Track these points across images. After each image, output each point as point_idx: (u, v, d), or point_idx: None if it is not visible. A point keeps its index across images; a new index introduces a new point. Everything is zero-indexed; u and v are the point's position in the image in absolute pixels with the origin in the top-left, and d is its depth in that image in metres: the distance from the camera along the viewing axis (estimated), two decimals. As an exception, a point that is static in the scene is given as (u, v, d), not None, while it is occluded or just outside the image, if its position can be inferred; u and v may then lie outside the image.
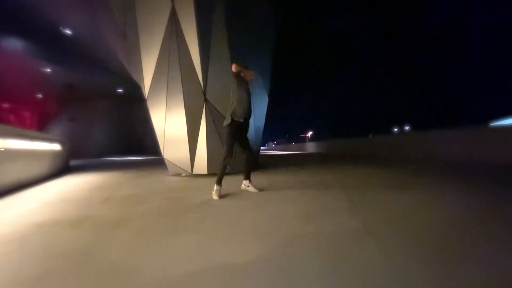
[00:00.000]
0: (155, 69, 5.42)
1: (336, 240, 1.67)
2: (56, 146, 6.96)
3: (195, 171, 5.49)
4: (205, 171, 5.38)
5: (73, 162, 13.32)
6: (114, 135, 23.39)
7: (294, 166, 7.65)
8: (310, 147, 27.30)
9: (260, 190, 3.35)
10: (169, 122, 5.63)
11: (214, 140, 5.35)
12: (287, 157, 14.12)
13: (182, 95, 5.19)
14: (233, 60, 5.28)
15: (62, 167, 7.66)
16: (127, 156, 20.08)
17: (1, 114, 25.24)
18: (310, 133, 66.39)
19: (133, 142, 23.65)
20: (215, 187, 3.17)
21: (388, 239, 1.65)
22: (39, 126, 26.03)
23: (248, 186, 3.40)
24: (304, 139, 62.84)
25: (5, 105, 23.46)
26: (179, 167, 5.71)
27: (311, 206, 2.57)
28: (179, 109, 5.34)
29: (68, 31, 13.60)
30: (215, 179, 3.25)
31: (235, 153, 3.40)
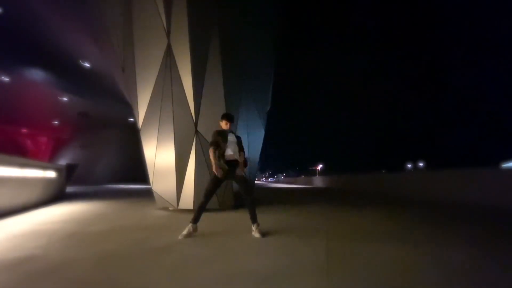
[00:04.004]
0: (149, 101, 5.48)
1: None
2: (50, 174, 6.95)
3: (181, 206, 5.22)
4: (191, 207, 5.10)
5: (75, 189, 13.36)
6: (121, 163, 23.70)
7: (288, 204, 7.25)
8: (318, 181, 26.54)
9: (263, 235, 2.97)
10: (159, 154, 5.53)
11: (203, 174, 5.15)
12: (288, 192, 13.63)
13: (172, 125, 5.15)
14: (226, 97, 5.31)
15: (56, 195, 7.56)
16: (132, 184, 20.03)
17: (19, 139, 26.46)
18: (320, 166, 65.11)
19: (139, 171, 23.80)
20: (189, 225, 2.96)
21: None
22: (53, 151, 26.96)
23: (254, 231, 3.01)
24: (313, 172, 61.54)
25: (24, 131, 24.63)
26: (166, 200, 5.48)
27: (281, 261, 2.23)
28: (169, 140, 5.26)
29: (86, 64, 14.63)
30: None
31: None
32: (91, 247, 2.64)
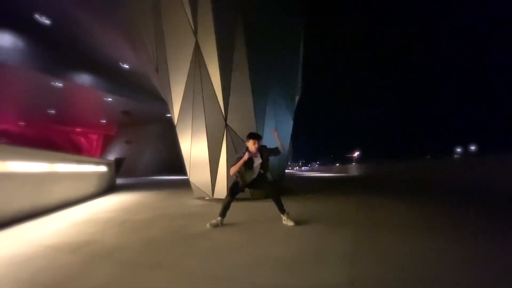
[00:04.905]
0: (182, 98, 5.79)
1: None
2: (103, 168, 7.77)
3: (216, 196, 5.53)
4: (224, 196, 5.36)
5: (123, 181, 14.75)
6: (162, 155, 25.47)
7: (320, 193, 7.20)
8: (354, 169, 25.64)
9: (295, 223, 3.12)
10: (194, 147, 5.87)
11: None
12: (321, 181, 13.43)
13: (204, 120, 5.40)
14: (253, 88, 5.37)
15: (108, 187, 8.46)
16: (171, 175, 21.47)
17: (75, 138, 29.74)
18: (356, 153, 62.54)
19: (178, 162, 25.33)
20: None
21: None
22: (103, 147, 29.82)
23: (285, 220, 3.19)
24: (350, 160, 59.47)
25: (78, 130, 27.58)
26: (202, 190, 5.82)
27: (309, 248, 2.31)
28: (202, 135, 5.55)
29: (125, 66, 15.75)
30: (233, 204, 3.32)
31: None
32: (139, 233, 2.97)
